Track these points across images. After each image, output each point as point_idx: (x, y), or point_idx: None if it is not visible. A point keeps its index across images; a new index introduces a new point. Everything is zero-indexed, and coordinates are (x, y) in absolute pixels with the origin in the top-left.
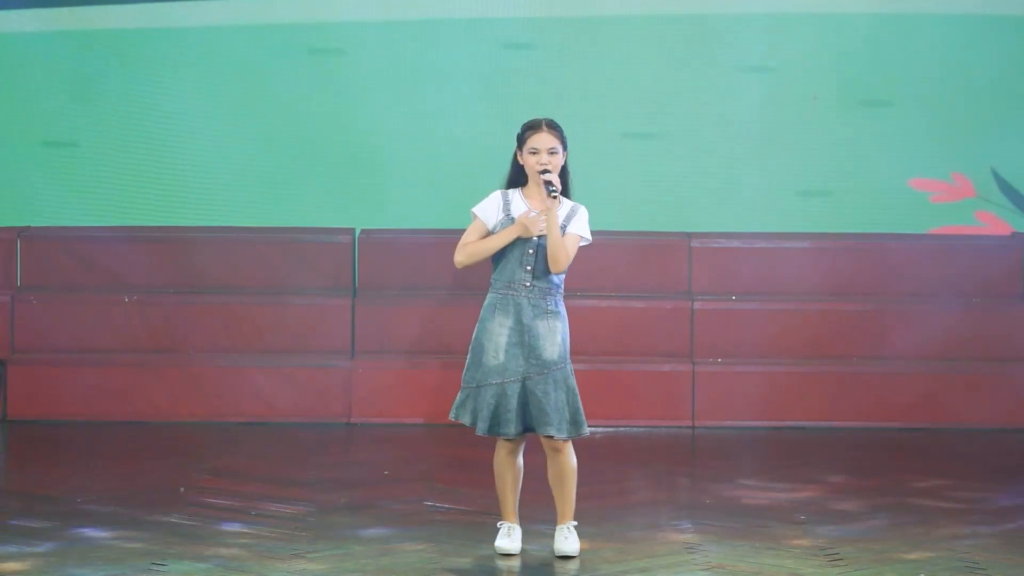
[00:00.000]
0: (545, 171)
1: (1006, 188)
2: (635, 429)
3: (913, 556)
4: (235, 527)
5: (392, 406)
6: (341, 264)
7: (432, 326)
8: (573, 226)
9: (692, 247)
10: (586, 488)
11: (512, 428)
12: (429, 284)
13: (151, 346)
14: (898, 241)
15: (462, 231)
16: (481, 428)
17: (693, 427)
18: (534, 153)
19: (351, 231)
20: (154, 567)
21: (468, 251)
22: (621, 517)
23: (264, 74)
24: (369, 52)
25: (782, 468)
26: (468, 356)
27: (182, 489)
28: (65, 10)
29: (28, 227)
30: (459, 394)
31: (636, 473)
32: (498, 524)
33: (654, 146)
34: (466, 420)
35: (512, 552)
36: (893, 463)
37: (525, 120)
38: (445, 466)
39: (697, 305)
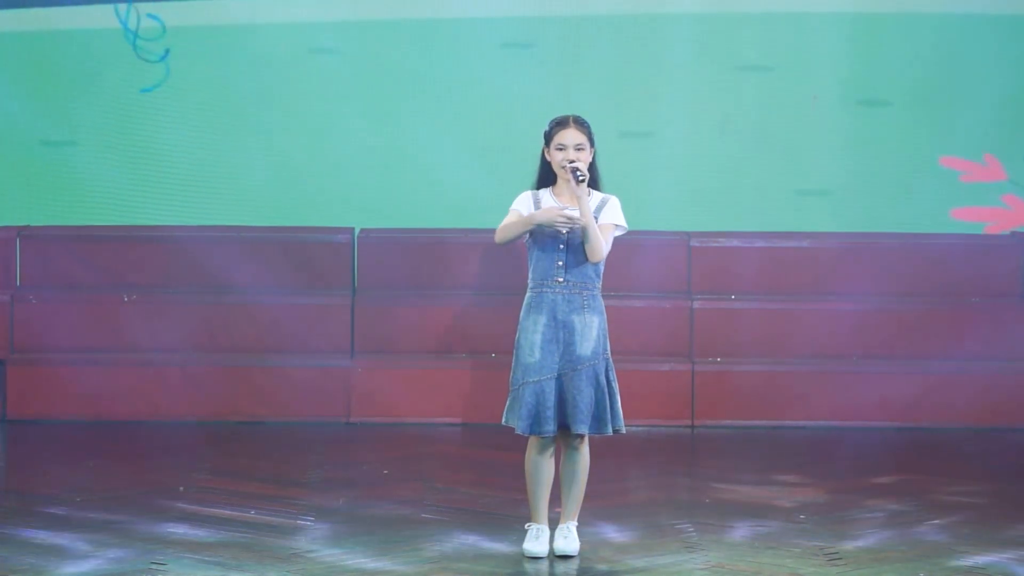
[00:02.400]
0: (571, 161)
1: None
2: (634, 428)
3: (912, 556)
4: (234, 527)
5: (392, 405)
6: (341, 263)
7: (432, 325)
8: (605, 215)
9: (691, 246)
10: (586, 487)
11: (551, 426)
12: (429, 283)
13: (150, 345)
14: (897, 241)
15: (461, 230)
16: (521, 427)
17: (692, 426)
18: (561, 149)
19: (350, 230)
20: (154, 566)
21: (502, 228)
22: (620, 516)
23: (263, 73)
24: (368, 51)
25: (781, 468)
26: (513, 359)
27: (182, 488)
28: (64, 9)
29: (27, 226)
30: (508, 398)
31: (635, 473)
32: (526, 526)
33: (653, 145)
34: (514, 422)
35: (541, 555)
36: (892, 463)
37: (523, 118)
38: (444, 466)
39: (696, 304)
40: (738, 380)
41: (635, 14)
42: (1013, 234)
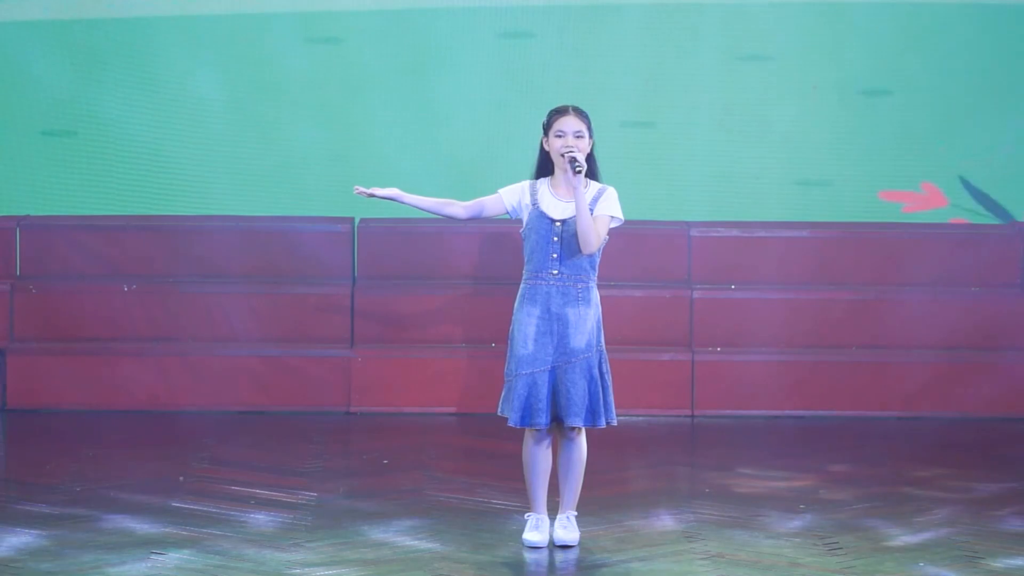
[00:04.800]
0: (569, 150)
1: (977, 194)
2: (634, 418)
3: (912, 545)
4: (234, 516)
5: (391, 395)
6: (341, 253)
7: (432, 315)
8: (601, 207)
9: (691, 236)
10: (585, 477)
11: (544, 418)
12: (428, 273)
13: (150, 335)
14: (897, 230)
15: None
16: (513, 419)
17: (692, 416)
18: (560, 136)
19: (350, 220)
20: (153, 556)
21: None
22: (620, 506)
23: (263, 63)
24: (368, 41)
25: (781, 457)
26: (507, 350)
27: (181, 478)
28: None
29: (27, 216)
30: (503, 389)
31: (635, 462)
32: (525, 516)
33: (653, 135)
34: (508, 413)
35: (540, 545)
36: (892, 452)
37: (522, 108)
38: (444, 455)
39: (696, 294)
40: (738, 370)
41: (634, 3)
42: (1013, 224)
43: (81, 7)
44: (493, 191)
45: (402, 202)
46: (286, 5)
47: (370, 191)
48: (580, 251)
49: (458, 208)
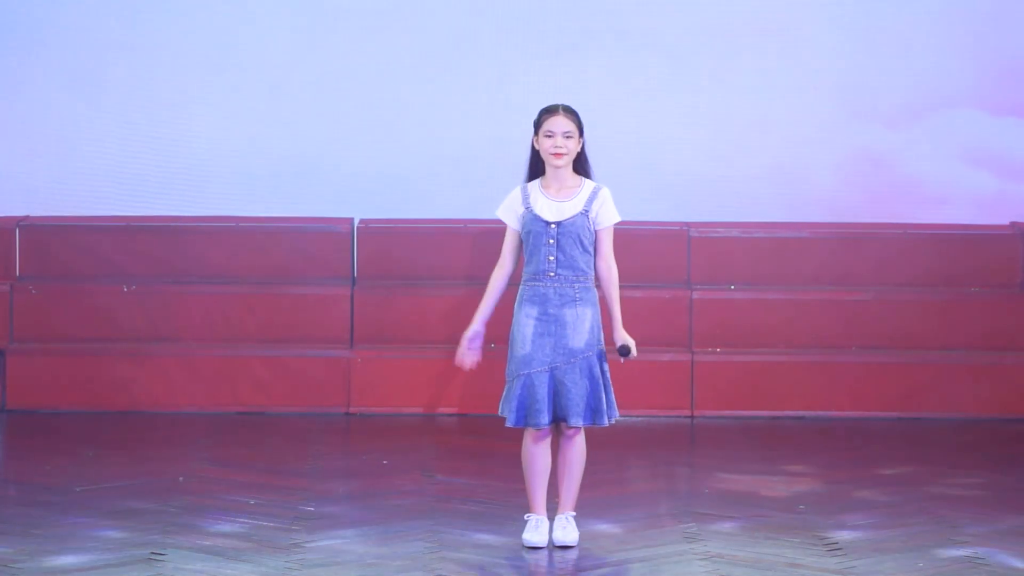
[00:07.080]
0: (624, 347)
1: None
2: (634, 419)
3: (911, 546)
4: (234, 517)
5: (391, 396)
6: (340, 254)
7: (431, 315)
8: (602, 216)
9: (691, 236)
10: (585, 478)
11: (542, 418)
12: (428, 273)
13: (150, 335)
14: (897, 231)
15: (460, 220)
16: (511, 419)
17: (692, 416)
18: (549, 136)
19: (350, 220)
20: (153, 556)
21: (491, 279)
22: (620, 507)
23: (263, 65)
24: (368, 41)
25: (781, 458)
26: (508, 351)
27: (181, 478)
28: (64, 2)
29: (27, 216)
30: (504, 389)
31: (635, 463)
32: (525, 517)
33: (653, 135)
34: (506, 414)
35: (540, 546)
36: (892, 453)
37: (523, 109)
38: (444, 456)
39: (696, 295)
40: (737, 370)
41: (636, 3)
42: (1012, 224)
43: (82, 6)
44: (492, 191)
45: (486, 320)
46: (287, 6)
47: (469, 352)
48: (578, 253)
49: (507, 269)
